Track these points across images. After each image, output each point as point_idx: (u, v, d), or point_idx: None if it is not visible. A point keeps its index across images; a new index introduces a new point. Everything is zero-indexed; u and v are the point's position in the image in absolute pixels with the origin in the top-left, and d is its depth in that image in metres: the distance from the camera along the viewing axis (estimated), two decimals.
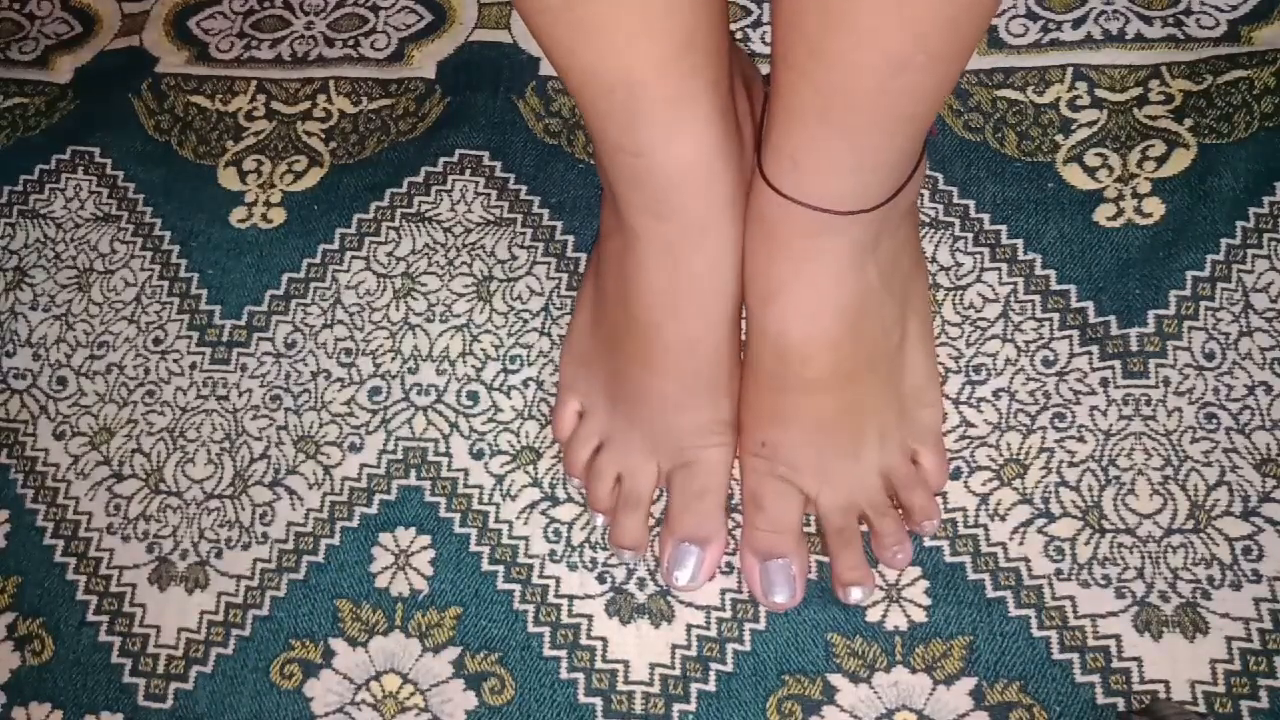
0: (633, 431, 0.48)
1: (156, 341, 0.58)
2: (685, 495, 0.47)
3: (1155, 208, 0.51)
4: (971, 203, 0.53)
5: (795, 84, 0.35)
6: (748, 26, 0.60)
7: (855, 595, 0.46)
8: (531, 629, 0.49)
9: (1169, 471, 0.47)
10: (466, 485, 0.52)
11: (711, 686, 0.47)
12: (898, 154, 0.38)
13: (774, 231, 0.41)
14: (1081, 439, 0.48)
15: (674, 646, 0.48)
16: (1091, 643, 0.45)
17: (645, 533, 0.48)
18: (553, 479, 0.52)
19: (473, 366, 0.54)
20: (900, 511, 0.47)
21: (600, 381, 0.49)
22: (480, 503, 0.52)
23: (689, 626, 0.48)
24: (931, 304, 0.51)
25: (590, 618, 0.49)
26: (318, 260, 0.59)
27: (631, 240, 0.43)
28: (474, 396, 0.54)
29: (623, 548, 0.48)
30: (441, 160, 0.59)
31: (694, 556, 0.47)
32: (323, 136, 0.62)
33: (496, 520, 0.51)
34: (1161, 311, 0.49)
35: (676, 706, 0.47)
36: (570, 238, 0.56)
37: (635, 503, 0.48)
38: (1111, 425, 0.48)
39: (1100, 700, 0.44)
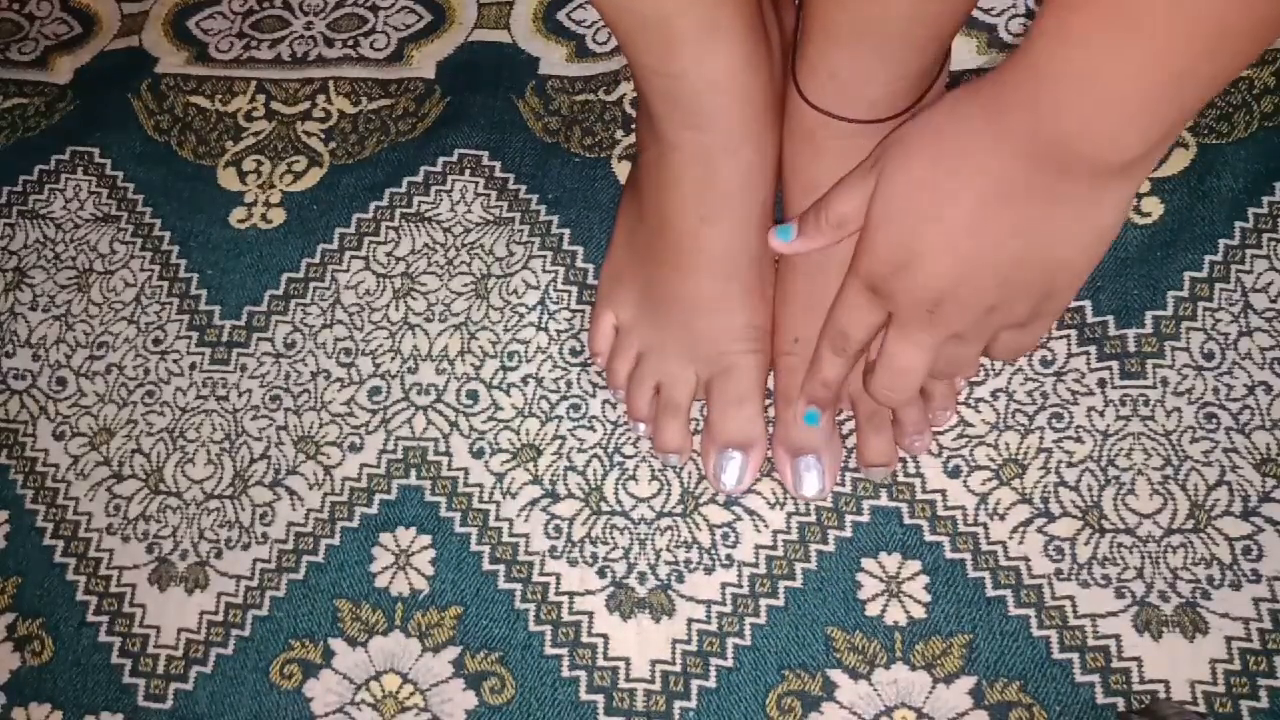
0: (670, 340, 0.49)
1: (156, 342, 0.58)
2: (724, 403, 0.49)
3: (1154, 207, 0.51)
4: None
5: (833, 7, 0.38)
6: None
7: (877, 475, 0.48)
8: (533, 628, 0.49)
9: (1169, 471, 0.47)
10: (466, 484, 0.52)
11: (712, 683, 0.47)
12: (929, 63, 0.40)
13: (813, 135, 0.43)
14: (1080, 439, 0.48)
15: (675, 641, 0.48)
16: (1091, 642, 0.45)
17: (687, 437, 0.50)
18: (553, 475, 0.52)
19: (471, 365, 0.54)
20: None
21: (636, 292, 0.50)
22: (480, 501, 0.52)
23: (689, 621, 0.48)
24: None
25: (591, 615, 0.49)
26: (317, 260, 0.59)
27: (667, 150, 0.44)
28: (473, 395, 0.54)
29: (667, 451, 0.50)
30: (441, 160, 0.60)
31: (738, 461, 0.48)
32: (322, 137, 0.62)
33: (497, 518, 0.51)
34: (1159, 313, 0.49)
35: (678, 704, 0.47)
36: (566, 230, 0.56)
37: (675, 409, 0.49)
38: (1110, 425, 0.48)
39: (1100, 700, 0.44)
